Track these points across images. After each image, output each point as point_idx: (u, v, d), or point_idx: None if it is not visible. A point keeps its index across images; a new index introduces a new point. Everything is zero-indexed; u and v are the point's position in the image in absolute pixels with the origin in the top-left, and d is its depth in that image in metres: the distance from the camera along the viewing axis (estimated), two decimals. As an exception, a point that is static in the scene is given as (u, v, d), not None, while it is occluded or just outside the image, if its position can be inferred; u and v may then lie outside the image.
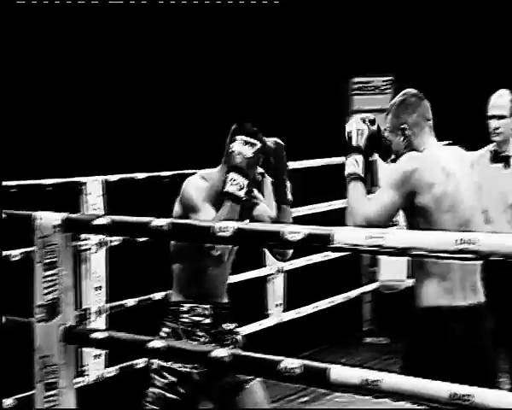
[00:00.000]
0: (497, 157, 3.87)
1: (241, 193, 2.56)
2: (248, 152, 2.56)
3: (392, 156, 2.70)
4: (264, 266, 5.04)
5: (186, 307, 2.74)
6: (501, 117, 3.82)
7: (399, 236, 1.89)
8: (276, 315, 5.07)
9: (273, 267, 5.05)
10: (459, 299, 2.57)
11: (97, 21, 4.96)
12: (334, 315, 5.68)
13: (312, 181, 5.32)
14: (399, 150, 2.68)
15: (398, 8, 6.42)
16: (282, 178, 2.71)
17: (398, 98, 2.75)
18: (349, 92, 6.25)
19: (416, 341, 2.61)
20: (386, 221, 2.58)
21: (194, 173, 2.83)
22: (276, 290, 5.08)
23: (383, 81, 6.31)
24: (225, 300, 2.82)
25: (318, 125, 5.97)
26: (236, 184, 2.55)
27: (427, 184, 2.56)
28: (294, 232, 1.99)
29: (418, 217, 2.58)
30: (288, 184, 2.73)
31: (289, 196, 2.73)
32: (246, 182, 2.55)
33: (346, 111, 6.28)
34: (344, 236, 1.95)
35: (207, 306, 2.75)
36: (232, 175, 2.56)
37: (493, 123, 3.84)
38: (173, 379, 2.67)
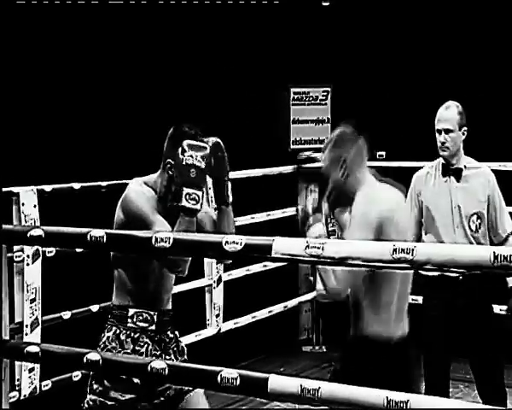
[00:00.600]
0: (447, 171, 3.73)
1: (198, 206, 2.54)
2: (201, 163, 2.53)
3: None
4: (203, 276, 5.03)
5: (131, 312, 2.70)
6: (448, 131, 3.67)
7: (337, 246, 1.94)
8: (215, 325, 5.07)
9: (212, 278, 5.04)
10: (395, 329, 2.73)
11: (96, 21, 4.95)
12: (273, 325, 5.69)
13: (252, 191, 5.34)
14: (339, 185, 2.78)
15: (338, 20, 6.50)
16: (223, 178, 2.68)
17: (335, 133, 2.86)
18: (287, 102, 6.31)
19: (350, 366, 2.73)
20: None
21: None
22: (215, 301, 5.06)
23: (322, 92, 6.38)
24: (169, 307, 2.80)
25: (256, 133, 6.00)
26: (193, 199, 2.52)
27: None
28: (234, 243, 2.02)
29: None
30: (229, 184, 2.70)
31: (230, 197, 2.70)
32: (201, 193, 2.54)
33: (285, 120, 6.32)
34: (283, 246, 1.99)
35: (152, 312, 2.71)
36: (187, 190, 2.52)
37: (440, 137, 3.68)
38: (111, 385, 2.61)
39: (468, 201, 3.69)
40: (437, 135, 3.71)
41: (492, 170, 3.89)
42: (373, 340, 2.70)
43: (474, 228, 3.68)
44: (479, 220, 3.69)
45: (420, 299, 3.88)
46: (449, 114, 3.69)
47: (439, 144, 3.71)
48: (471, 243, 3.66)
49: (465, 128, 3.72)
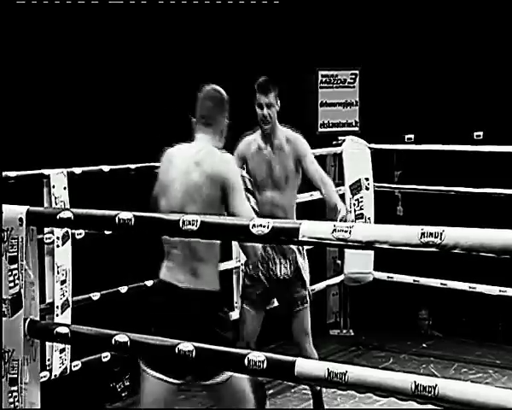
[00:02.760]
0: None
1: None
2: None
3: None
4: (231, 258, 5.03)
5: None
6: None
7: (364, 229, 1.92)
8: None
9: (240, 260, 5.02)
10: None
11: (97, 21, 5.05)
12: None
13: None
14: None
15: (367, 1, 6.46)
16: None
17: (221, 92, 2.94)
18: (315, 85, 6.29)
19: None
20: None
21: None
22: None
23: (350, 74, 6.34)
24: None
25: (283, 116, 6.00)
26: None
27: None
28: (261, 226, 2.01)
29: None
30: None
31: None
32: None
33: (313, 103, 6.29)
34: (310, 229, 1.97)
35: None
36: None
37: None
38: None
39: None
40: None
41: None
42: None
43: None
44: None
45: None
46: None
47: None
48: None
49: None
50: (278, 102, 3.99)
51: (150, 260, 4.87)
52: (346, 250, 5.60)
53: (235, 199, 2.68)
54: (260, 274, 3.98)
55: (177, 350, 2.17)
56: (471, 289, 5.49)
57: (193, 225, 2.12)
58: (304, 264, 4.04)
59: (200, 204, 2.68)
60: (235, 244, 4.99)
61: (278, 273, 3.98)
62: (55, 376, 3.91)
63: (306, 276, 4.06)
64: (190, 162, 2.76)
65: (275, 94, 3.96)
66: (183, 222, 2.14)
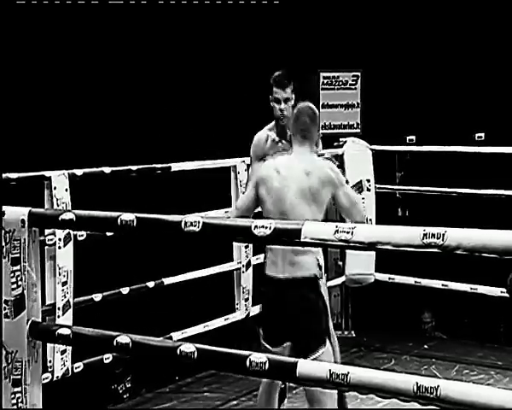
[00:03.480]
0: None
1: None
2: None
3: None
4: (232, 260, 5.02)
5: None
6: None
7: (367, 230, 1.92)
8: (244, 309, 5.07)
9: (241, 261, 5.03)
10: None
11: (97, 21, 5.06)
12: None
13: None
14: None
15: (368, 4, 6.47)
16: None
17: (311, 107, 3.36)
18: (317, 86, 6.29)
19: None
20: None
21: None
22: (244, 284, 5.07)
23: (351, 76, 6.33)
24: None
25: None
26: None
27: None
28: (263, 227, 2.01)
29: None
30: None
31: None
32: None
33: (314, 105, 6.29)
34: (312, 230, 1.97)
35: None
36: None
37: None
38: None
39: None
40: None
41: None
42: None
43: None
44: None
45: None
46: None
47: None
48: None
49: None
50: (293, 95, 4.02)
51: (152, 261, 4.93)
52: (347, 251, 5.57)
53: (344, 195, 3.25)
54: None
55: (178, 352, 2.17)
56: (472, 291, 5.47)
57: (195, 226, 2.12)
58: None
59: (313, 206, 3.19)
60: (235, 246, 5.00)
61: None
62: (57, 377, 3.90)
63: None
64: (299, 171, 3.23)
65: (291, 88, 4.01)
66: (185, 223, 2.14)
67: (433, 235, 1.78)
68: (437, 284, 5.67)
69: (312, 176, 3.21)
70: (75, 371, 4.00)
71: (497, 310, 5.87)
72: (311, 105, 3.37)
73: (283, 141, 4.01)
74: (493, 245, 1.74)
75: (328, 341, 3.20)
